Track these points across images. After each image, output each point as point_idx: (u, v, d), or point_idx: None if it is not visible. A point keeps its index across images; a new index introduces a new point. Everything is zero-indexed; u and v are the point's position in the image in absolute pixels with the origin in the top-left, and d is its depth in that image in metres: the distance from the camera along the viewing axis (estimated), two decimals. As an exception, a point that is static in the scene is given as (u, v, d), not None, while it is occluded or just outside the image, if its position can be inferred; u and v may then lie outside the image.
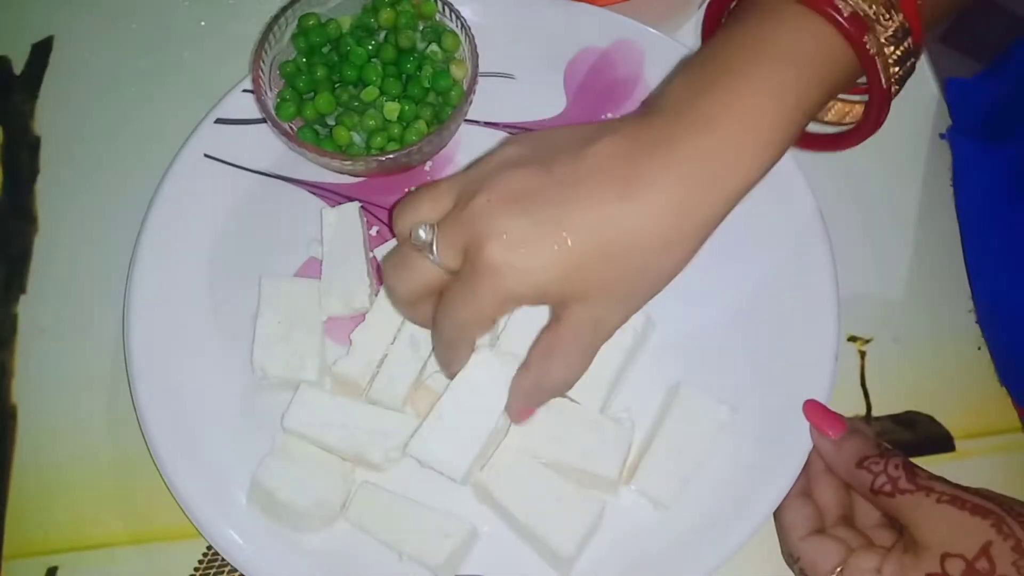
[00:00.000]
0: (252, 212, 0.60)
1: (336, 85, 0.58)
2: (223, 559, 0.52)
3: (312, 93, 0.58)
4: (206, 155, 0.60)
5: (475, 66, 0.58)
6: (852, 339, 0.59)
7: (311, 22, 0.58)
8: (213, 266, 0.58)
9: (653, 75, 0.63)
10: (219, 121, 0.60)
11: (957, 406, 0.59)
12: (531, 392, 0.46)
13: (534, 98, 0.63)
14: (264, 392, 0.55)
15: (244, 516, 0.51)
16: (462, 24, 0.59)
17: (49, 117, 0.66)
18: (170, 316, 0.56)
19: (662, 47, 0.63)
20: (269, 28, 0.58)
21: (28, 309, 0.61)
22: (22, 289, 0.61)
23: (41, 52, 0.68)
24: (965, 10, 0.53)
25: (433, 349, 0.50)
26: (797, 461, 0.51)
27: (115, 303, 0.58)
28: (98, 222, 0.63)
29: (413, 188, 0.59)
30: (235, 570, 0.51)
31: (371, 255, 0.57)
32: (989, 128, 0.60)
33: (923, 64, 0.68)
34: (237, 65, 0.64)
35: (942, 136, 0.64)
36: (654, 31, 0.63)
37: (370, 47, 0.58)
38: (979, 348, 0.60)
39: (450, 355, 0.48)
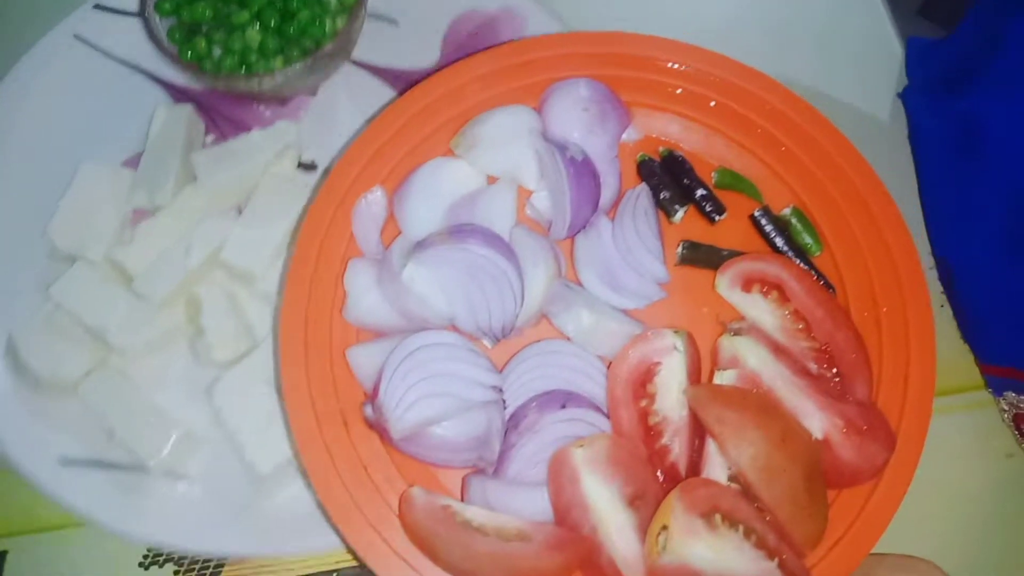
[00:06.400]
0: (105, 99, 0.61)
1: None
2: None
3: (198, -1, 0.58)
4: (76, 36, 0.61)
5: (357, 26, 0.57)
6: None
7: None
8: (53, 143, 0.59)
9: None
10: (97, 7, 0.62)
11: None
12: None
13: (410, 47, 0.63)
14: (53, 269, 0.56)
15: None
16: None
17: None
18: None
19: (542, 20, 0.62)
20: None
21: None
22: None
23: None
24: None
25: None
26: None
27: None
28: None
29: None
30: (184, 556, 0.52)
31: (193, 156, 0.57)
32: (944, 84, 0.60)
33: (891, 30, 0.67)
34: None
35: (899, 95, 0.64)
36: (538, 5, 0.62)
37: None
38: (942, 306, 0.59)
39: None
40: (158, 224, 0.54)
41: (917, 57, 0.65)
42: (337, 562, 0.52)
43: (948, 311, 0.58)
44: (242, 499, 0.51)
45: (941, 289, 0.59)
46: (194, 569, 0.52)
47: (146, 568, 0.52)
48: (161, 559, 0.53)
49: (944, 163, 0.59)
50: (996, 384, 0.56)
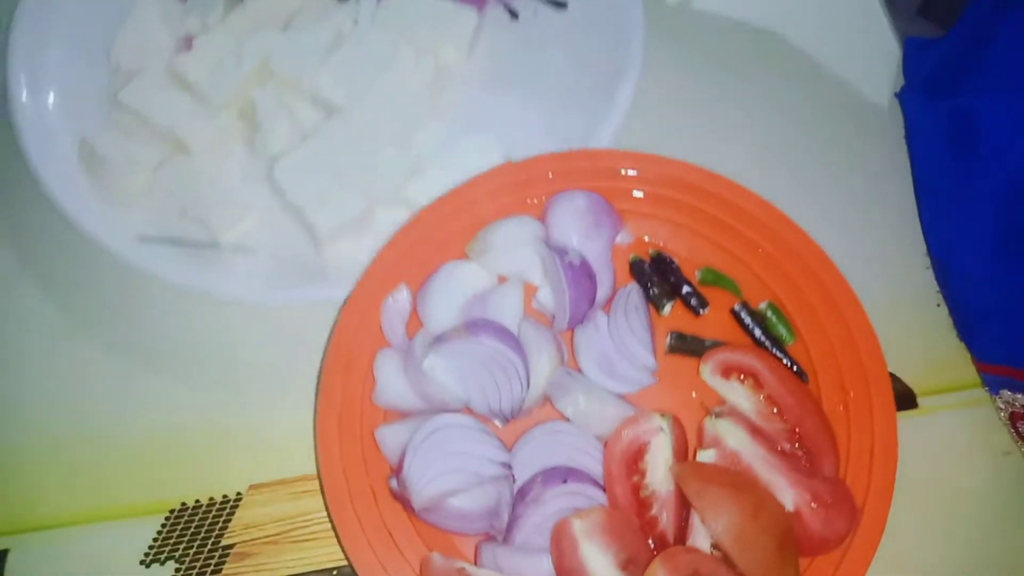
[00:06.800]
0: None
1: None
2: (177, 538, 0.56)
3: None
4: None
5: None
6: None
7: None
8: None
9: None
10: None
11: (919, 363, 0.59)
12: None
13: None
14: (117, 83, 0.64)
15: (73, 169, 0.62)
16: None
17: None
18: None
19: None
20: None
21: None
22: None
23: None
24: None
25: None
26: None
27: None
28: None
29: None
30: (190, 545, 0.56)
31: None
32: (939, 83, 0.62)
33: (889, 30, 0.70)
34: None
35: (896, 95, 0.66)
36: None
37: None
38: (938, 305, 0.61)
39: None
40: (212, 39, 0.63)
41: (914, 56, 0.66)
42: (337, 560, 0.56)
43: (945, 308, 0.61)
44: (306, 261, 0.61)
45: (937, 288, 0.61)
46: (195, 567, 0.55)
47: (147, 566, 0.55)
48: (163, 557, 0.55)
49: (938, 162, 0.60)
50: (992, 382, 0.58)
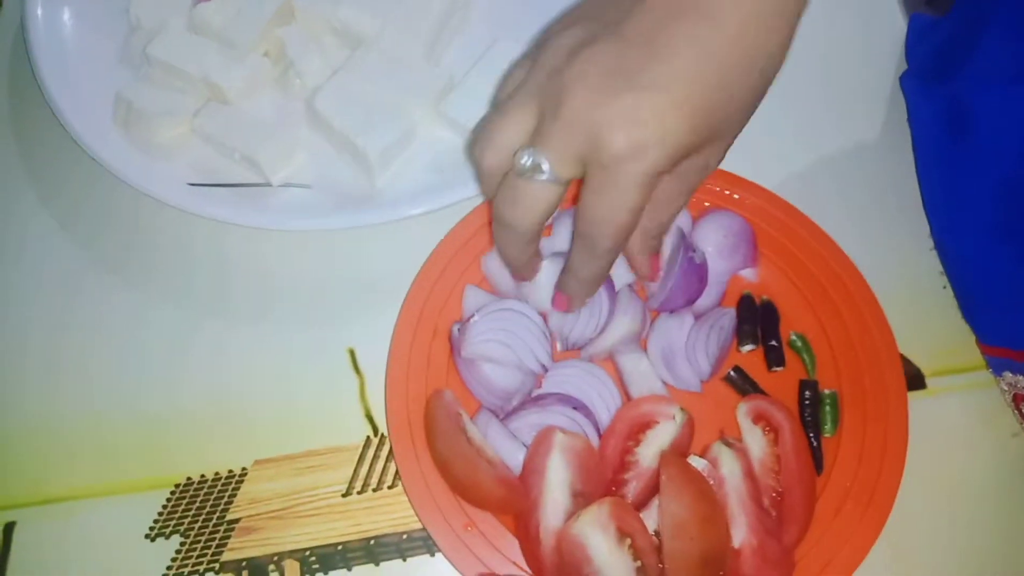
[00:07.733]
0: None
1: None
2: (183, 512, 0.56)
3: None
4: None
5: None
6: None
7: None
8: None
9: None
10: None
11: (927, 344, 0.61)
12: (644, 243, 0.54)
13: None
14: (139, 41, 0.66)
15: (109, 130, 0.64)
16: None
17: None
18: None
19: None
20: None
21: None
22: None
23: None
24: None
25: (570, 281, 0.54)
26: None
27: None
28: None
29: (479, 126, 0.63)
30: (196, 519, 0.57)
31: None
32: (936, 69, 0.63)
33: (898, 12, 0.70)
34: None
35: (900, 79, 0.67)
36: None
37: None
38: (944, 287, 0.63)
39: (599, 268, 0.49)
40: None
41: (916, 39, 0.66)
42: (341, 536, 0.57)
43: (951, 291, 0.61)
44: (357, 189, 0.64)
45: (941, 270, 0.62)
46: (200, 540, 0.56)
47: (152, 540, 0.56)
48: (168, 531, 0.56)
49: (936, 148, 0.61)
50: (995, 364, 0.58)
